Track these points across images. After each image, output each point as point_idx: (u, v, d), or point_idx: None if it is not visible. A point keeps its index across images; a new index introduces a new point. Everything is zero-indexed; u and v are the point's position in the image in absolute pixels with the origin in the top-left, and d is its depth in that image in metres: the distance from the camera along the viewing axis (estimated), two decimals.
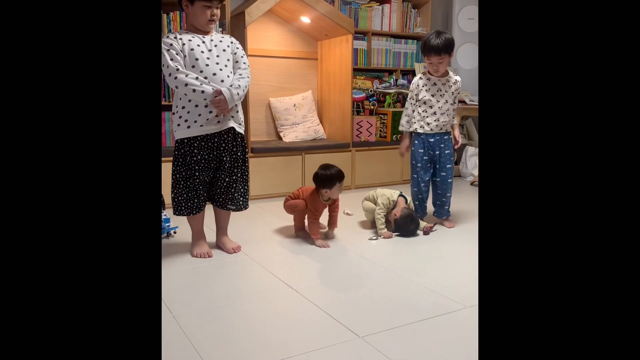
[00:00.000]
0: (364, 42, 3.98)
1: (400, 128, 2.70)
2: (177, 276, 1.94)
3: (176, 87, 1.95)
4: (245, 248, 2.28)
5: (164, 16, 3.11)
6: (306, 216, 2.47)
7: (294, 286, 1.83)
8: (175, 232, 2.49)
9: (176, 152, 2.07)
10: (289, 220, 2.78)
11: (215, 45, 2.04)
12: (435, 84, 2.56)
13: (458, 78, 2.61)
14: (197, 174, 2.06)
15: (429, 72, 2.58)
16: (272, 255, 2.21)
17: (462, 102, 4.04)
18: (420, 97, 2.58)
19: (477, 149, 4.21)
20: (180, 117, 2.01)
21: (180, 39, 1.98)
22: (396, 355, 1.34)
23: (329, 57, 3.82)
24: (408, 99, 2.66)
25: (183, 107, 2.01)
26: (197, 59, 1.98)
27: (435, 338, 1.44)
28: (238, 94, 2.01)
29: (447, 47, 2.44)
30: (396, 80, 4.08)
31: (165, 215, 2.44)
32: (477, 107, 3.94)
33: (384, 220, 2.50)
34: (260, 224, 2.74)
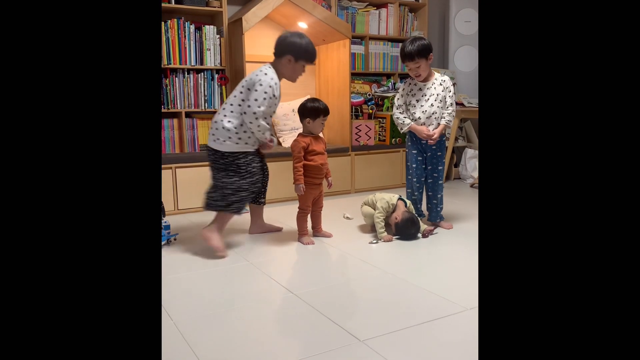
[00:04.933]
0: (361, 47, 3.99)
1: (405, 129, 2.61)
2: (177, 282, 1.94)
3: (250, 122, 2.21)
4: (246, 253, 2.29)
5: (162, 24, 3.12)
6: (303, 214, 2.48)
7: (294, 291, 1.83)
8: (175, 239, 2.49)
9: (229, 160, 2.25)
10: (289, 225, 2.78)
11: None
12: (420, 89, 2.59)
13: (445, 78, 2.59)
14: (257, 177, 2.33)
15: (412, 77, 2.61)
16: (272, 260, 2.21)
17: (460, 104, 4.04)
18: (406, 101, 2.62)
19: (477, 151, 4.21)
20: (240, 137, 2.25)
21: (277, 88, 2.27)
22: (397, 358, 1.34)
23: (326, 62, 3.83)
24: (395, 106, 2.65)
25: (245, 132, 2.27)
26: (270, 106, 2.28)
27: (436, 341, 1.44)
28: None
29: (421, 52, 2.46)
30: (394, 84, 4.09)
31: (165, 222, 2.44)
32: (476, 109, 3.94)
33: (383, 224, 2.50)
34: None
